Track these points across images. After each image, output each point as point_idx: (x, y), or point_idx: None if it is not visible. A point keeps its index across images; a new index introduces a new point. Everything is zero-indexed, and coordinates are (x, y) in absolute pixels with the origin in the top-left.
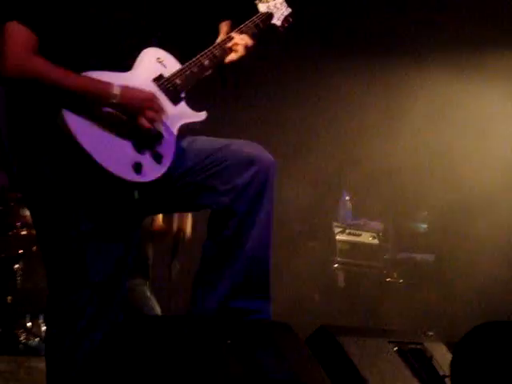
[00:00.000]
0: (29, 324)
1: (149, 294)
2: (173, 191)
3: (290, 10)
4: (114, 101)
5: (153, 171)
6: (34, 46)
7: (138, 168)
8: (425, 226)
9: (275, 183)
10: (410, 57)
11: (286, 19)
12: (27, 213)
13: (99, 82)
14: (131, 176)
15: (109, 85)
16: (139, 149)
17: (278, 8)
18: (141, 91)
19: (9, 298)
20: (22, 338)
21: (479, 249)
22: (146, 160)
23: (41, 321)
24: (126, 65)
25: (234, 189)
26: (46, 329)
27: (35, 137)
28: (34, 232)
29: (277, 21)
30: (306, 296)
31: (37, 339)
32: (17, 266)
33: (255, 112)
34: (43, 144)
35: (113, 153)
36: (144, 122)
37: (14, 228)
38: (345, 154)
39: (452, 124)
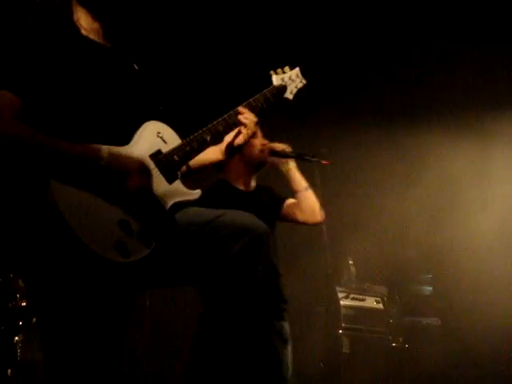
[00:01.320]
0: None
1: None
2: (164, 266)
3: (304, 82)
4: (102, 163)
5: (137, 251)
6: (17, 113)
7: (120, 248)
8: (429, 288)
9: (270, 251)
10: (419, 120)
11: (298, 92)
12: None
13: (86, 145)
14: (113, 256)
15: (97, 148)
16: (125, 226)
17: (292, 80)
18: (129, 157)
19: (9, 371)
20: None
21: (486, 311)
22: (131, 239)
23: None
24: (124, 138)
25: (228, 258)
26: None
27: (24, 212)
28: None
29: (289, 94)
30: (311, 364)
31: None
32: (16, 338)
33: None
34: (32, 220)
35: (97, 230)
36: (131, 185)
37: (13, 299)
38: (347, 217)
39: (455, 184)
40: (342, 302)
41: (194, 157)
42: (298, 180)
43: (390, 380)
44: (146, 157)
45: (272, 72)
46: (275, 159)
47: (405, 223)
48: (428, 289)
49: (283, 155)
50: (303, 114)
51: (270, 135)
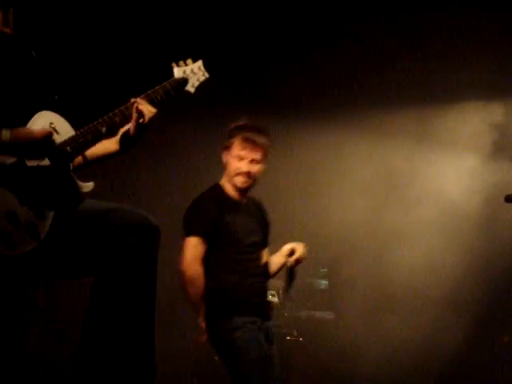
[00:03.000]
0: None
1: None
2: (54, 259)
3: (207, 75)
4: (5, 140)
5: (24, 245)
6: None
7: (6, 239)
8: (325, 282)
9: (159, 248)
10: None
11: (200, 85)
12: None
13: None
14: None
15: None
16: (12, 218)
17: (194, 73)
18: (32, 129)
19: None
20: None
21: (380, 305)
22: (17, 231)
23: None
24: (16, 127)
25: (118, 253)
26: None
27: None
28: None
29: (191, 87)
30: (207, 355)
31: None
32: None
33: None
34: None
35: None
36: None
37: None
38: None
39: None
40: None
41: (87, 149)
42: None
43: (283, 373)
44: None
45: (173, 64)
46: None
47: (303, 215)
48: (323, 282)
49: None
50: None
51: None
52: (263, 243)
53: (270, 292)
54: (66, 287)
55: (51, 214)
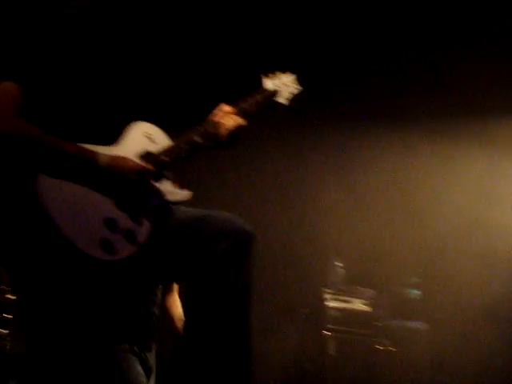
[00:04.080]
0: None
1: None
2: (150, 266)
3: (300, 88)
4: (101, 166)
5: (123, 250)
6: (18, 109)
7: (105, 245)
8: (417, 292)
9: (255, 254)
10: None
11: (293, 98)
12: None
13: (85, 148)
14: (97, 253)
15: (95, 152)
16: (111, 225)
17: (286, 86)
18: (131, 160)
19: None
20: None
21: (474, 317)
22: (117, 237)
23: None
24: (112, 138)
25: (214, 259)
26: None
27: (10, 203)
28: None
29: (283, 100)
30: (295, 364)
31: None
32: (4, 331)
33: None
34: (18, 212)
35: (83, 227)
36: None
37: (0, 292)
38: (337, 218)
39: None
40: (328, 304)
41: (183, 158)
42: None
43: (375, 383)
44: (134, 157)
45: (263, 75)
46: None
47: (395, 226)
48: (416, 292)
49: None
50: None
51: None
52: None
53: (361, 301)
54: None
55: (149, 221)
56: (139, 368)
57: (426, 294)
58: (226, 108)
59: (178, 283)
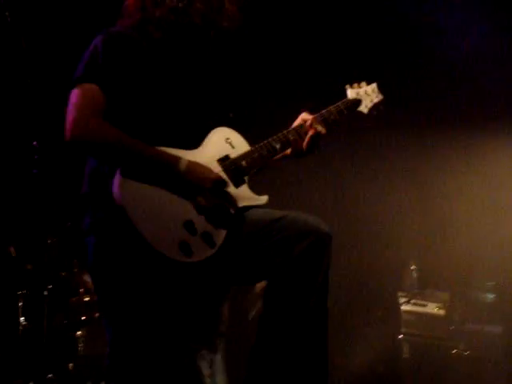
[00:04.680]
0: None
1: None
2: (229, 266)
3: (381, 97)
4: (180, 172)
5: (201, 252)
6: (102, 111)
7: (184, 247)
8: (493, 296)
9: (331, 254)
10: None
11: (374, 107)
12: (90, 279)
13: (167, 153)
14: (177, 255)
15: (177, 157)
16: (190, 227)
17: (368, 95)
18: (208, 170)
19: (70, 365)
20: None
21: None
22: (195, 240)
23: None
24: (193, 142)
25: (291, 259)
26: None
27: (93, 205)
28: (95, 298)
29: (364, 108)
30: (370, 367)
31: None
32: (79, 332)
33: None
34: (100, 214)
35: (162, 230)
36: (202, 200)
37: (76, 294)
38: (412, 221)
39: None
40: (402, 307)
41: (262, 164)
42: None
43: None
44: (213, 161)
45: (347, 86)
46: None
47: (472, 229)
48: (491, 296)
49: None
50: None
51: None
52: None
53: (436, 304)
54: None
55: (226, 224)
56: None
57: (502, 298)
58: (308, 117)
59: (257, 282)
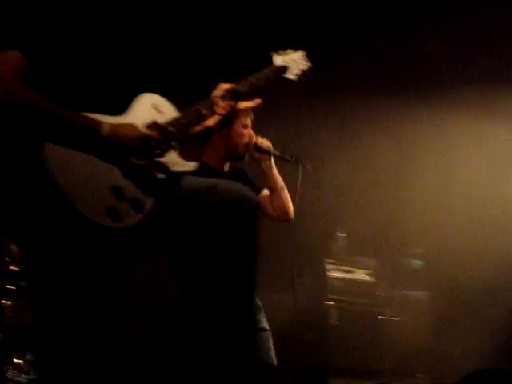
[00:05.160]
0: (17, 361)
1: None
2: (156, 234)
3: (309, 64)
4: (104, 135)
5: (129, 217)
6: (22, 74)
7: (112, 213)
8: (420, 262)
9: (260, 222)
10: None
11: (303, 74)
12: (16, 248)
13: (90, 118)
14: (104, 220)
15: (99, 121)
16: (118, 192)
17: (295, 62)
18: (134, 128)
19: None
20: (9, 376)
21: (477, 288)
22: (123, 205)
23: (28, 357)
24: (119, 109)
25: (218, 229)
26: None
27: (17, 171)
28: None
29: (292, 75)
30: (296, 334)
31: (25, 376)
32: (5, 301)
33: None
34: (25, 180)
35: (89, 194)
36: (134, 159)
37: (2, 263)
38: (341, 187)
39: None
40: (329, 274)
41: (190, 129)
42: (276, 178)
43: (377, 352)
44: (140, 127)
45: (273, 52)
46: (259, 155)
47: (399, 197)
48: (418, 263)
49: (267, 152)
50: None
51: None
52: None
53: (363, 271)
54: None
55: (155, 190)
56: None
57: (429, 265)
58: (226, 86)
59: (185, 252)
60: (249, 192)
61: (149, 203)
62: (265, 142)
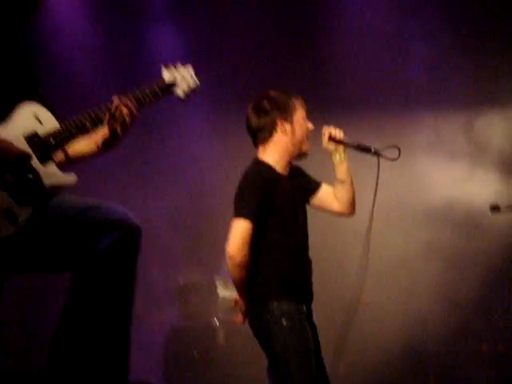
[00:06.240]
0: None
1: None
2: (30, 251)
3: (197, 83)
4: None
5: (1, 229)
6: None
7: None
8: None
9: (140, 247)
10: None
11: (190, 93)
12: None
13: None
14: None
15: None
16: None
17: (185, 79)
18: (10, 144)
19: None
20: None
21: None
22: None
23: None
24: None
25: (96, 252)
26: None
27: None
28: None
29: (181, 93)
30: (185, 352)
31: None
32: None
33: None
34: None
35: None
36: (8, 176)
37: None
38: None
39: None
40: (219, 293)
41: (70, 141)
42: (346, 171)
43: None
44: (19, 137)
45: (163, 66)
46: (334, 146)
47: None
48: None
49: (343, 143)
50: None
51: None
52: (306, 217)
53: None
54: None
55: (31, 202)
56: None
57: None
58: (120, 98)
59: (60, 273)
60: (132, 216)
61: (23, 215)
62: (339, 133)
